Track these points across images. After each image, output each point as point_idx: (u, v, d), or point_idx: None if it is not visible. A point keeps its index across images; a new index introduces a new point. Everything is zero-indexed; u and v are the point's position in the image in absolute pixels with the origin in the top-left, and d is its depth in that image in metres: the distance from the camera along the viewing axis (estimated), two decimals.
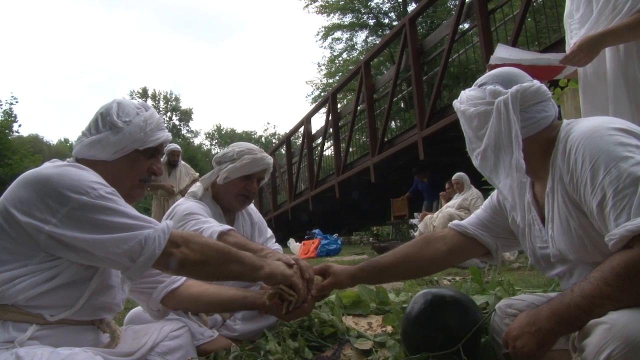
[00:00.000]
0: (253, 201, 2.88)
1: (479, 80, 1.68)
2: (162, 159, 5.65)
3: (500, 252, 1.87)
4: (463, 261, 2.02)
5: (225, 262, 1.65)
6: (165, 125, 1.84)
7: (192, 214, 2.36)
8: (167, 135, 1.80)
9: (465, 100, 1.66)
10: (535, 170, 1.60)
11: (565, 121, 1.57)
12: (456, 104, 1.70)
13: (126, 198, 1.71)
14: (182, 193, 7.52)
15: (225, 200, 2.58)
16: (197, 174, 7.78)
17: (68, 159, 1.71)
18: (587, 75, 2.60)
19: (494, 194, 1.87)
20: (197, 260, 1.59)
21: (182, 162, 7.71)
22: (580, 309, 1.28)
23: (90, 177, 1.53)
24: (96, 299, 1.61)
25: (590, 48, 2.39)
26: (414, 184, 10.48)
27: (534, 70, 1.77)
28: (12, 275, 1.44)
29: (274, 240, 2.80)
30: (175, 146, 7.65)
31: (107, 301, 1.67)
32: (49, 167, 1.56)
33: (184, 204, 2.47)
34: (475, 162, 1.63)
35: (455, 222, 1.94)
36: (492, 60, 2.70)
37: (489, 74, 1.68)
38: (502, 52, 2.74)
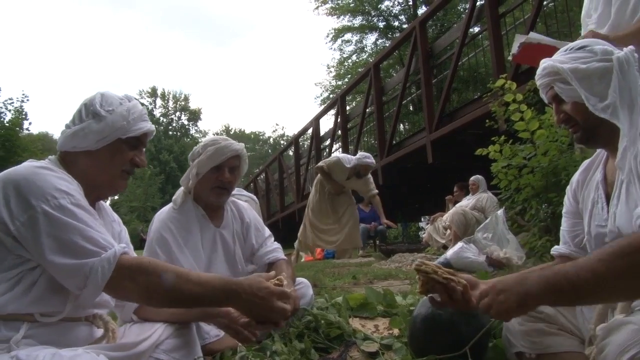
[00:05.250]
0: (253, 202, 2.85)
1: (573, 45, 1.63)
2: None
3: None
4: None
5: (173, 300, 1.59)
6: (147, 116, 1.83)
7: (157, 253, 2.36)
8: (150, 126, 1.80)
9: (569, 60, 1.57)
10: (614, 142, 1.53)
11: None
12: (555, 65, 1.59)
13: (109, 189, 1.76)
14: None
15: (204, 196, 2.53)
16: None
17: (50, 157, 1.72)
18: None
19: (565, 199, 1.84)
20: (140, 295, 1.57)
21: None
22: (566, 279, 1.27)
23: (56, 183, 1.53)
24: (83, 299, 1.60)
25: None
26: None
27: None
28: None
29: (273, 239, 2.76)
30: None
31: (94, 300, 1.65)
32: (24, 167, 1.56)
33: (157, 221, 2.48)
34: (604, 115, 1.52)
35: (555, 247, 1.89)
36: (513, 49, 2.71)
37: (585, 40, 1.64)
38: (520, 38, 2.73)
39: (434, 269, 1.51)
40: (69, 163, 1.68)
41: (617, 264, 1.23)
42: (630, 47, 1.56)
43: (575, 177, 1.80)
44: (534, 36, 2.64)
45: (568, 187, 1.83)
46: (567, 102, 1.60)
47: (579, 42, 1.63)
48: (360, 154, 7.45)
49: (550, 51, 2.54)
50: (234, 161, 2.53)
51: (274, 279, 1.67)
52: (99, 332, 1.70)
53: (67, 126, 1.72)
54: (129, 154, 1.75)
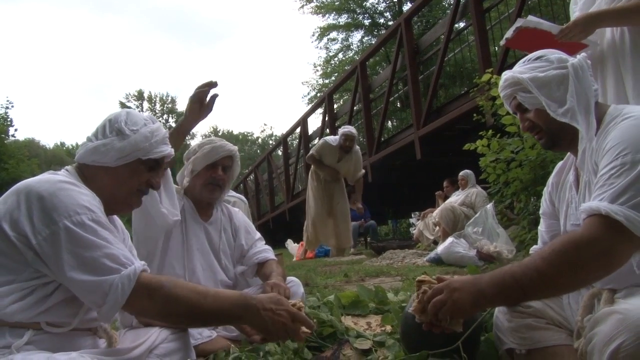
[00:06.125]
0: (242, 203, 2.86)
1: (530, 56, 1.70)
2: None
3: None
4: None
5: (191, 318, 1.60)
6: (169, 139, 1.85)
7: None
8: (170, 150, 1.82)
9: (528, 70, 1.66)
10: (576, 145, 1.61)
11: (614, 105, 1.62)
12: (515, 75, 1.67)
13: (123, 205, 1.76)
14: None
15: (197, 192, 2.61)
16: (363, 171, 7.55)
17: (66, 167, 1.72)
18: (603, 51, 2.59)
19: (542, 201, 1.89)
20: (160, 313, 1.57)
21: (357, 148, 7.38)
22: (513, 278, 1.37)
23: (79, 199, 1.52)
24: (91, 313, 1.61)
25: (585, 25, 2.42)
26: None
27: (560, 47, 1.85)
28: (2, 292, 1.44)
29: (264, 242, 2.79)
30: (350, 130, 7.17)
31: (113, 316, 1.67)
32: (47, 181, 1.54)
33: None
34: (564, 119, 1.59)
35: (533, 247, 1.94)
36: (508, 33, 2.73)
37: (540, 51, 1.71)
38: (518, 22, 2.74)
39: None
40: (88, 177, 1.68)
41: (556, 261, 1.32)
42: (583, 54, 1.70)
43: (550, 180, 1.86)
44: (532, 19, 2.65)
45: (545, 189, 1.89)
46: (530, 110, 1.68)
47: (535, 53, 1.70)
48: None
49: (545, 37, 2.55)
50: (227, 161, 2.62)
51: (292, 302, 1.68)
52: (101, 342, 1.70)
53: (89, 139, 1.71)
54: (146, 175, 1.75)
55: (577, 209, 1.64)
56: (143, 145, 1.69)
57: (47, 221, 1.45)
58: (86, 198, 1.55)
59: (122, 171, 1.70)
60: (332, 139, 7.25)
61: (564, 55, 1.65)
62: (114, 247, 1.52)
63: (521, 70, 1.68)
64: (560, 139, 1.66)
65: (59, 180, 1.56)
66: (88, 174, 1.69)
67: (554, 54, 1.67)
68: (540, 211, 1.91)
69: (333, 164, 7.28)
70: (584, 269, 1.31)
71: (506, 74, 1.72)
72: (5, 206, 1.49)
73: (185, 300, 1.53)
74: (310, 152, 7.60)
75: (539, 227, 1.92)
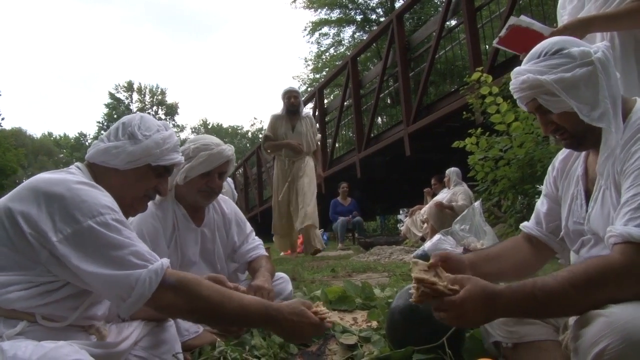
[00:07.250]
0: (235, 197, 2.84)
1: (547, 50, 1.52)
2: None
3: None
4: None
5: (213, 318, 1.63)
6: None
7: None
8: (180, 158, 1.82)
9: (549, 70, 1.47)
10: (597, 143, 1.51)
11: None
12: (536, 77, 1.48)
13: (129, 209, 1.74)
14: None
15: (190, 197, 2.50)
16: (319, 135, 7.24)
17: (77, 164, 1.71)
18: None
19: (545, 182, 1.83)
20: (182, 309, 1.56)
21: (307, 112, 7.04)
22: (537, 301, 1.29)
23: (101, 199, 1.52)
24: (90, 310, 1.61)
25: (575, 30, 2.41)
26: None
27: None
28: (7, 280, 1.43)
29: (254, 234, 2.77)
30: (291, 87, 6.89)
31: (99, 312, 1.67)
32: (64, 180, 1.53)
33: (137, 217, 2.40)
34: (600, 124, 1.45)
35: (525, 224, 1.88)
36: (502, 32, 2.72)
37: (555, 40, 1.55)
38: (511, 20, 2.73)
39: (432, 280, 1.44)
40: (98, 176, 1.68)
41: (592, 292, 1.25)
42: (605, 42, 1.58)
43: (557, 163, 1.78)
44: (524, 19, 2.66)
45: (550, 167, 1.81)
46: (554, 112, 1.53)
47: (551, 45, 1.53)
48: None
49: (536, 38, 2.55)
50: (224, 167, 2.51)
51: (314, 307, 1.66)
52: (92, 339, 1.68)
53: (101, 139, 1.72)
54: (154, 181, 1.76)
55: (582, 207, 1.61)
56: (154, 152, 1.70)
57: (70, 220, 1.44)
58: (107, 198, 1.55)
59: (131, 175, 1.70)
60: (278, 110, 7.06)
61: (585, 47, 1.48)
62: (138, 245, 1.52)
63: (540, 69, 1.49)
64: (586, 139, 1.55)
65: (78, 180, 1.55)
66: (98, 173, 1.69)
67: (574, 45, 1.50)
68: (543, 192, 1.83)
69: (290, 135, 6.89)
70: (621, 295, 1.24)
71: (523, 74, 1.53)
72: (21, 203, 1.47)
73: (209, 299, 1.54)
74: (264, 134, 7.22)
75: (538, 206, 1.83)
